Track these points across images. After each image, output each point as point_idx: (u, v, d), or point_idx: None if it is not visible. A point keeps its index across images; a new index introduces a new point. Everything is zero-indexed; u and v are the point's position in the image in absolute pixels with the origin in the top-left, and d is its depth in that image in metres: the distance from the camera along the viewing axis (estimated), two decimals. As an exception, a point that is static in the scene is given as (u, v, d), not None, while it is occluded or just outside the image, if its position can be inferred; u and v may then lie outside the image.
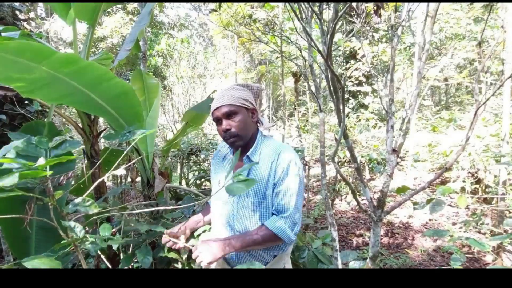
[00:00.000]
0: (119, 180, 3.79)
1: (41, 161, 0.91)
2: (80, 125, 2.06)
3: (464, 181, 4.07)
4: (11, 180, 0.67)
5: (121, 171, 1.11)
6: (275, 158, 1.13)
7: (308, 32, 1.01)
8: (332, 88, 1.00)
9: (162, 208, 0.95)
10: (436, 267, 2.80)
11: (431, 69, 5.81)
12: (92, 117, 2.06)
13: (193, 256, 1.10)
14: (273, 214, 1.15)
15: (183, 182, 4.69)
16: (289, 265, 1.28)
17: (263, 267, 0.91)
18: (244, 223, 1.16)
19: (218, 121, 1.17)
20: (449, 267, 1.46)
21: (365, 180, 1.17)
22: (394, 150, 1.21)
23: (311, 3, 1.15)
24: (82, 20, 2.01)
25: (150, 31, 9.87)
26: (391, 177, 1.24)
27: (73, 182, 2.18)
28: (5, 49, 1.07)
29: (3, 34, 1.59)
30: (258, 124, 1.26)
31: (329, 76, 0.94)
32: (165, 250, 1.34)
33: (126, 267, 1.36)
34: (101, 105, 1.60)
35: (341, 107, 0.90)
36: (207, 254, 1.06)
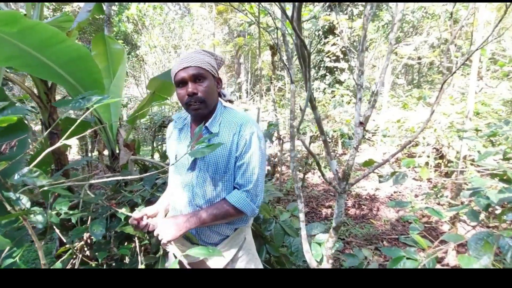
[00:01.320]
0: (85, 153, 3.62)
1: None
2: (36, 92, 1.91)
3: (428, 156, 4.27)
4: None
5: (72, 141, 1.03)
6: (237, 130, 1.08)
7: None
8: (300, 55, 0.95)
9: (121, 178, 0.90)
10: (397, 236, 2.98)
11: (406, 47, 5.87)
12: (50, 84, 1.90)
13: (154, 234, 1.07)
14: (234, 187, 1.12)
15: (156, 155, 4.57)
16: (249, 237, 1.28)
17: (217, 250, 0.92)
18: (205, 197, 1.12)
19: (182, 83, 1.05)
20: (408, 235, 1.55)
21: (332, 153, 1.17)
22: (361, 123, 1.21)
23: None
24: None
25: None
26: (356, 150, 1.25)
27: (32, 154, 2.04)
28: None
29: None
30: (220, 97, 1.20)
31: (298, 44, 0.89)
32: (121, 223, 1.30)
33: (76, 240, 1.31)
34: (54, 70, 1.47)
35: (307, 75, 0.87)
36: (168, 231, 1.03)
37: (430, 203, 3.73)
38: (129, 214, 1.15)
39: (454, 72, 1.00)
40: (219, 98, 1.18)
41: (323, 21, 7.32)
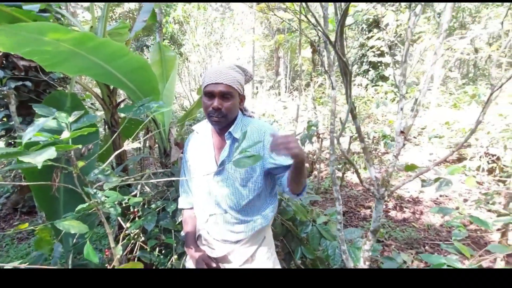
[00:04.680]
0: (139, 149, 3.96)
1: (65, 134, 1.01)
2: (100, 95, 2.16)
3: (480, 159, 3.99)
4: (50, 153, 0.76)
5: (137, 145, 1.19)
6: (263, 137, 1.19)
7: (318, 21, 1.00)
8: (342, 71, 1.01)
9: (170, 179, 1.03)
10: (441, 242, 2.87)
11: (460, 41, 5.46)
12: (111, 87, 2.14)
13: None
14: (280, 174, 1.21)
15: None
16: (269, 235, 1.37)
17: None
18: (233, 199, 1.20)
19: (210, 95, 1.13)
20: (452, 243, 1.51)
21: (373, 152, 1.20)
22: (402, 132, 1.23)
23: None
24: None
25: (166, -5, 9.63)
26: (396, 158, 1.27)
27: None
28: (27, 29, 1.13)
29: (24, 7, 1.64)
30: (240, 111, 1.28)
31: (340, 63, 0.95)
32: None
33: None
34: (119, 78, 1.67)
35: (349, 91, 0.92)
36: None
37: (480, 210, 3.50)
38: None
39: (502, 86, 0.98)
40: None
41: (367, 15, 7.05)
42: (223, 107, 1.12)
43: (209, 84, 1.13)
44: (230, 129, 1.19)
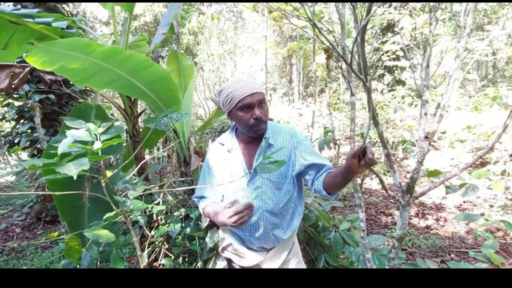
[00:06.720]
0: (158, 158, 4.04)
1: (97, 145, 1.05)
2: (122, 106, 2.22)
3: (505, 164, 3.84)
4: (84, 164, 0.79)
5: (161, 153, 1.22)
6: (291, 139, 1.23)
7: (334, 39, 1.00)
8: (364, 80, 1.00)
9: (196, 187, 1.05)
10: (467, 249, 2.76)
11: (478, 43, 5.31)
12: (133, 99, 2.20)
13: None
14: (312, 174, 1.20)
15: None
16: (296, 240, 1.39)
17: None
18: (269, 205, 1.20)
19: (248, 107, 1.12)
20: (480, 250, 1.46)
21: (392, 158, 1.19)
22: (426, 137, 1.20)
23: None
24: (120, 7, 2.11)
25: (181, 8, 9.90)
26: (421, 164, 1.25)
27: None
28: (60, 45, 1.19)
29: (53, 24, 1.72)
30: None
31: (361, 65, 0.95)
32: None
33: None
34: (142, 90, 1.73)
35: (369, 97, 0.92)
36: None
37: (507, 216, 3.36)
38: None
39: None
40: None
41: (381, 19, 6.99)
42: (262, 114, 1.14)
43: (245, 97, 1.12)
44: (266, 135, 1.21)
